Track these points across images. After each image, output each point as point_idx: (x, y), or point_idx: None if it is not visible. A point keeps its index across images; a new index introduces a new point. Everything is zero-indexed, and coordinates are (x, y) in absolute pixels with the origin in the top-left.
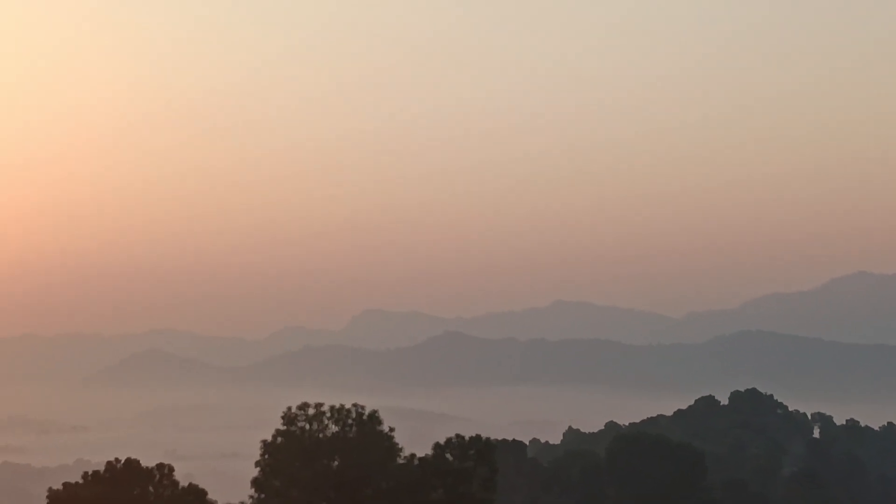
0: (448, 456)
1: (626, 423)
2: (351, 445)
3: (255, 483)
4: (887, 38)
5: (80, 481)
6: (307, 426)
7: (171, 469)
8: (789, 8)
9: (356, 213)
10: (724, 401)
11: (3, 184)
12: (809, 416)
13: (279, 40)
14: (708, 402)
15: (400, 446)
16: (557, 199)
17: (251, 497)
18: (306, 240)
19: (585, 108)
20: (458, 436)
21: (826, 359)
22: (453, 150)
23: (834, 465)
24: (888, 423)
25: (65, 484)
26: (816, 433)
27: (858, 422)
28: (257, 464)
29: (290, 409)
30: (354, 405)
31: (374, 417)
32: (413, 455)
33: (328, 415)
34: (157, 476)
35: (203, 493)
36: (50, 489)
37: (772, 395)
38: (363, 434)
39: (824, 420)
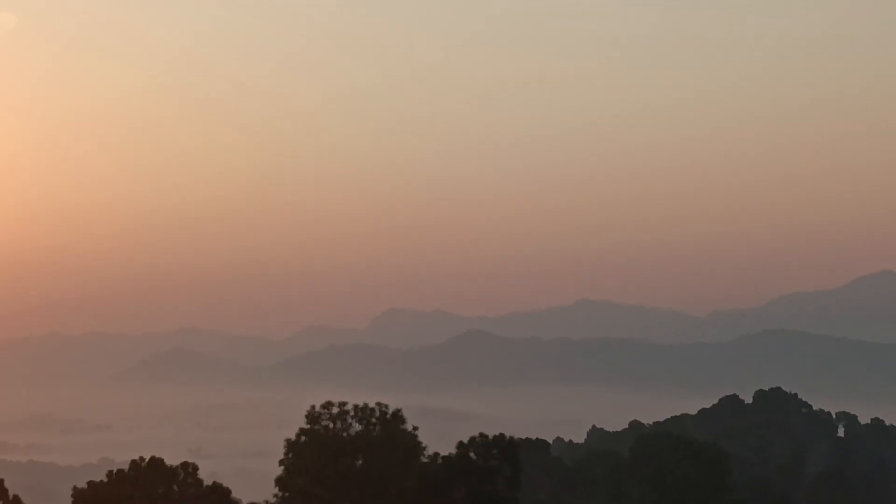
0: (472, 455)
1: (650, 423)
2: (375, 444)
3: (279, 482)
4: None
5: (105, 480)
6: (331, 425)
7: (196, 468)
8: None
9: (380, 212)
10: (749, 400)
11: (31, 183)
12: (834, 416)
13: (300, 37)
14: (732, 402)
15: (423, 445)
16: (582, 199)
17: (275, 496)
18: (330, 240)
19: (609, 107)
20: (481, 435)
21: (851, 358)
22: (477, 150)
23: (858, 465)
24: None
25: (89, 483)
26: (841, 433)
27: (883, 421)
28: (281, 462)
29: (313, 407)
30: (378, 404)
31: (397, 416)
32: (437, 454)
33: (352, 414)
34: (182, 475)
35: (227, 491)
36: (75, 488)
37: (796, 395)
38: (387, 433)
39: (849, 419)
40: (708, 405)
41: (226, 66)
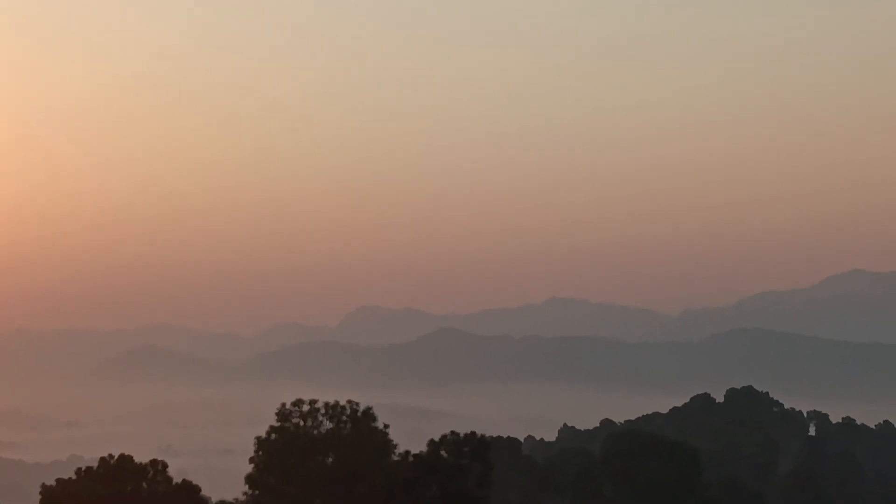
0: (443, 453)
1: (622, 421)
2: (345, 442)
3: (249, 479)
4: (886, 39)
5: (74, 477)
6: (301, 423)
7: (165, 465)
8: (800, 6)
9: (351, 209)
10: (720, 398)
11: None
12: (805, 414)
13: (279, 35)
14: (703, 400)
15: (394, 443)
16: (553, 197)
17: (245, 493)
18: (301, 237)
19: (583, 107)
20: (452, 433)
21: (822, 356)
22: (447, 148)
23: (830, 464)
24: (884, 421)
25: (58, 480)
26: (812, 431)
27: (854, 420)
28: (251, 460)
29: (284, 405)
30: (349, 402)
31: (368, 414)
32: (408, 452)
33: (322, 411)
34: (151, 472)
35: (197, 489)
36: (43, 485)
37: (767, 393)
38: (358, 431)
39: (820, 418)
40: (679, 403)
41: (199, 61)
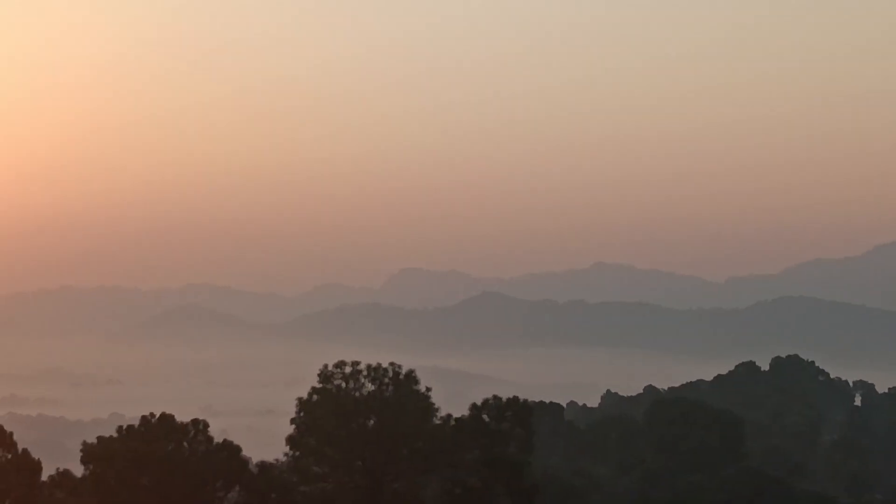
0: (485, 417)
1: (665, 388)
2: (387, 405)
3: (290, 440)
4: None
5: (115, 435)
6: (343, 384)
7: (206, 425)
8: None
9: (397, 171)
10: (765, 367)
11: (43, 137)
12: (851, 384)
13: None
14: (748, 368)
15: (436, 406)
16: (602, 162)
17: (286, 454)
18: (346, 197)
19: (633, 71)
20: (495, 397)
21: (869, 326)
22: (495, 111)
23: (875, 434)
24: None
25: (99, 438)
26: (858, 401)
27: None
28: (293, 421)
29: (326, 366)
30: (391, 364)
31: (410, 377)
32: (449, 416)
33: (365, 373)
34: (192, 432)
35: (237, 449)
36: (84, 443)
37: (813, 362)
38: (399, 394)
39: (866, 388)
40: (724, 371)
41: (248, 27)
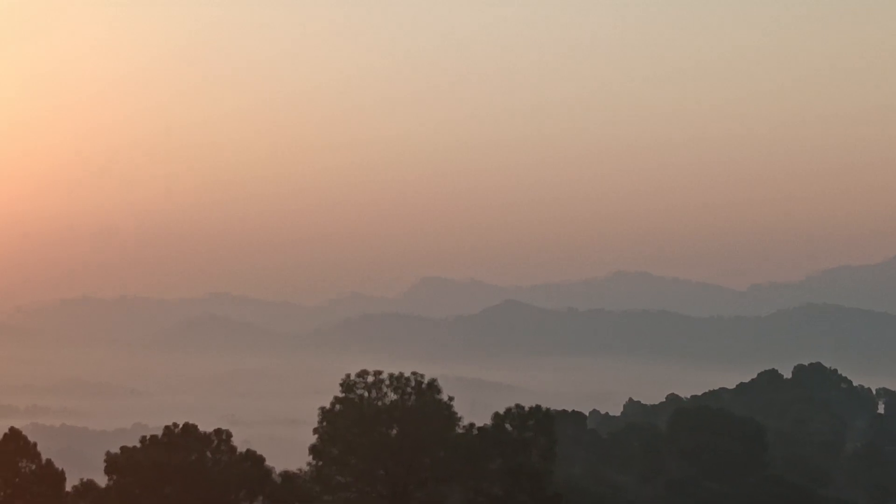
0: (507, 426)
1: (688, 396)
2: (409, 414)
3: (313, 450)
4: None
5: (138, 445)
6: (366, 394)
7: (229, 434)
8: None
9: (417, 180)
10: (788, 375)
11: (65, 147)
12: (874, 392)
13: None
14: (771, 376)
15: (459, 415)
16: (621, 169)
17: (309, 464)
18: (366, 207)
19: (653, 80)
20: (517, 406)
21: (892, 333)
22: (515, 121)
23: None
24: None
25: (122, 447)
26: (881, 409)
27: None
28: (315, 431)
29: (348, 376)
30: (413, 373)
31: (432, 386)
32: (472, 425)
33: (387, 383)
34: (215, 441)
35: (261, 459)
36: (108, 453)
37: (836, 370)
38: (422, 403)
39: (889, 396)
40: (746, 379)
41: (271, 38)
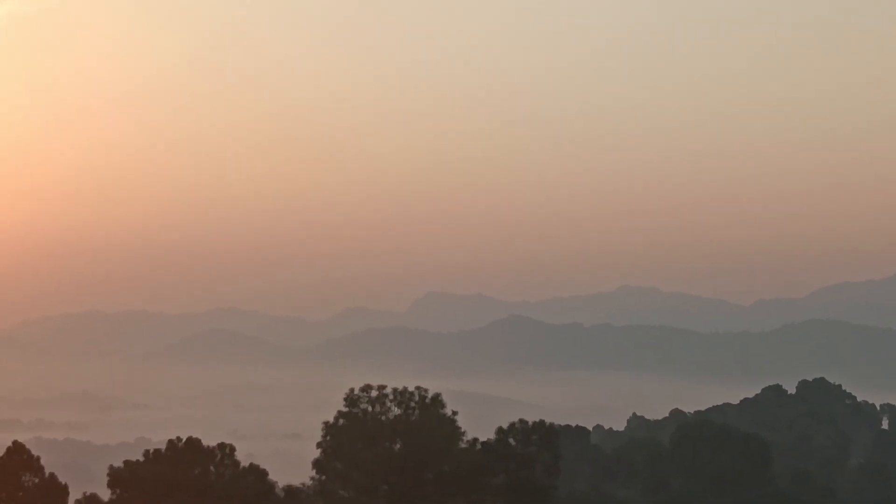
0: (511, 441)
1: (692, 412)
2: (413, 428)
3: (317, 464)
4: None
5: (142, 459)
6: (369, 408)
7: (233, 449)
8: None
9: (423, 194)
10: (792, 390)
11: (69, 161)
12: (878, 407)
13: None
14: (775, 392)
15: (462, 430)
16: (627, 184)
17: (312, 478)
18: (371, 222)
19: (661, 95)
20: (521, 421)
21: None
22: (522, 135)
23: None
24: None
25: (126, 462)
26: (885, 424)
27: None
28: (319, 445)
29: (352, 390)
30: (417, 388)
31: (436, 401)
32: (476, 439)
33: (391, 397)
34: (219, 455)
35: (264, 473)
36: (111, 467)
37: (840, 386)
38: (426, 417)
39: (893, 411)
40: (750, 395)
41: (279, 52)
